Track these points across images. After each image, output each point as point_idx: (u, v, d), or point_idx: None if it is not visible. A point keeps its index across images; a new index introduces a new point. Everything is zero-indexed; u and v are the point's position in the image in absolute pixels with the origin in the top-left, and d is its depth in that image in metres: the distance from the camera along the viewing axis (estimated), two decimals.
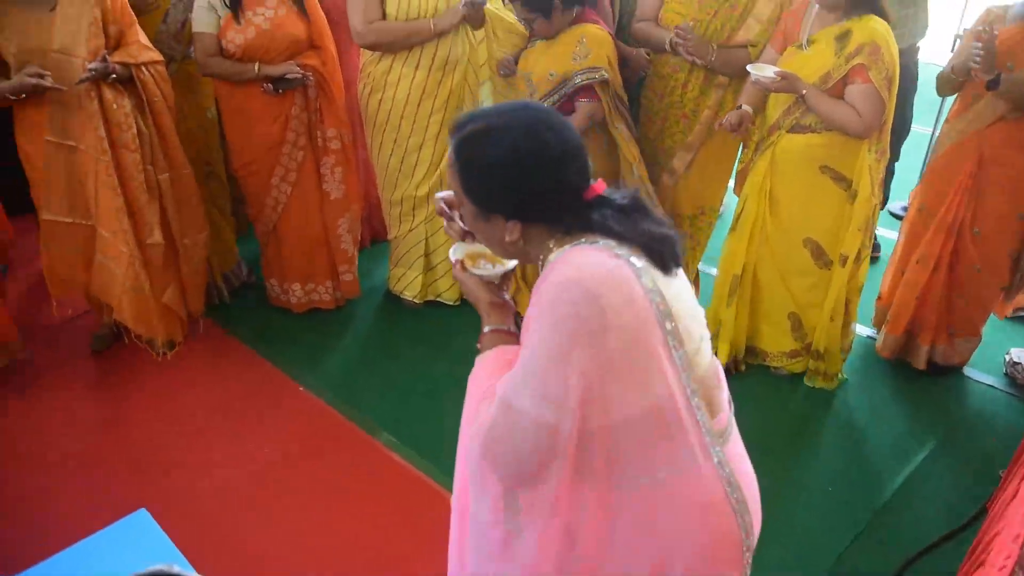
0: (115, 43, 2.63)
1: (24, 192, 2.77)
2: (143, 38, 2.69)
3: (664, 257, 1.19)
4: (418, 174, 3.13)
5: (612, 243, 1.17)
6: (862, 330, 3.24)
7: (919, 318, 2.96)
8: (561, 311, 1.12)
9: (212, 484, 2.47)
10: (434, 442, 2.59)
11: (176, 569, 0.98)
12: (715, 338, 2.95)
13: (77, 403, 2.85)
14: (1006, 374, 3.07)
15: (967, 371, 3.07)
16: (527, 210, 1.20)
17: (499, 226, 1.22)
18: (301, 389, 2.91)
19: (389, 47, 2.92)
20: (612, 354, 1.11)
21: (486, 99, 3.12)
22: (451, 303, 3.39)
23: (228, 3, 2.78)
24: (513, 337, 1.33)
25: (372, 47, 2.94)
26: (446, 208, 1.39)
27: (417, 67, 2.95)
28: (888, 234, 3.87)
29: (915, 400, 2.94)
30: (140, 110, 2.71)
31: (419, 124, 3.04)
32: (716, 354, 2.52)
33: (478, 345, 1.35)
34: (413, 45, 2.91)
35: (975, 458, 2.65)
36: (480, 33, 3.02)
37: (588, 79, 2.71)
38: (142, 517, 1.91)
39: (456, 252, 1.38)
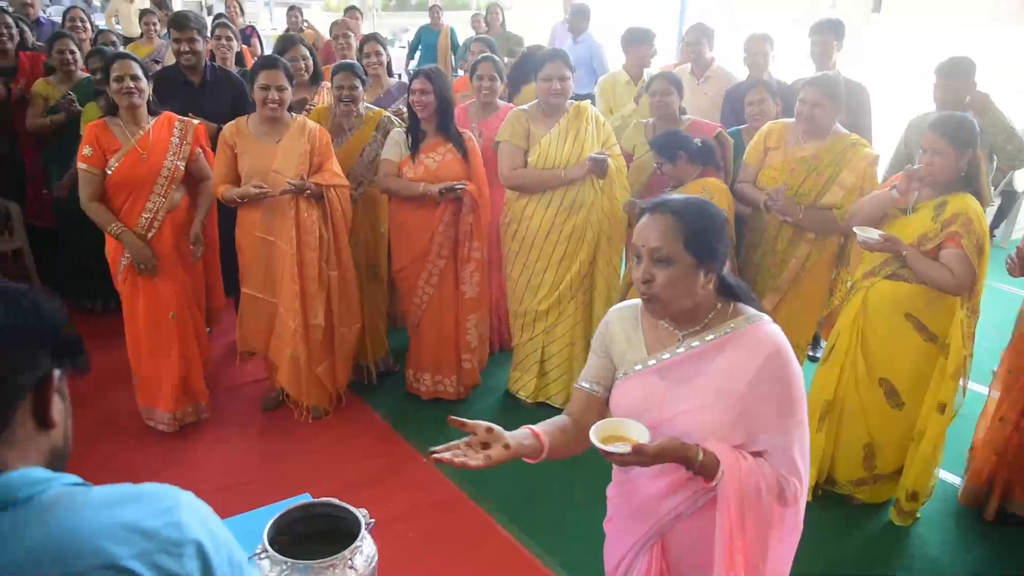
0: (316, 169, 3.44)
1: (236, 276, 3.62)
2: (336, 167, 3.49)
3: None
4: (540, 292, 3.68)
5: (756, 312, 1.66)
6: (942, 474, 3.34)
7: (997, 472, 3.07)
8: (791, 371, 1.59)
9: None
10: (531, 512, 3.04)
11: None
12: None
13: (244, 449, 3.53)
14: None
15: None
16: (720, 264, 1.61)
17: (699, 279, 1.56)
18: (423, 460, 3.44)
19: (527, 189, 3.57)
20: None
21: None
22: (558, 406, 3.84)
23: (410, 147, 3.56)
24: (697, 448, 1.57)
25: (513, 188, 3.61)
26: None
27: (548, 206, 3.56)
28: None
29: (985, 547, 3.00)
30: (324, 220, 3.48)
31: (545, 252, 3.62)
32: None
33: (701, 463, 1.54)
34: (546, 189, 3.54)
35: None
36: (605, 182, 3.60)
37: None
38: None
39: (600, 440, 1.55)
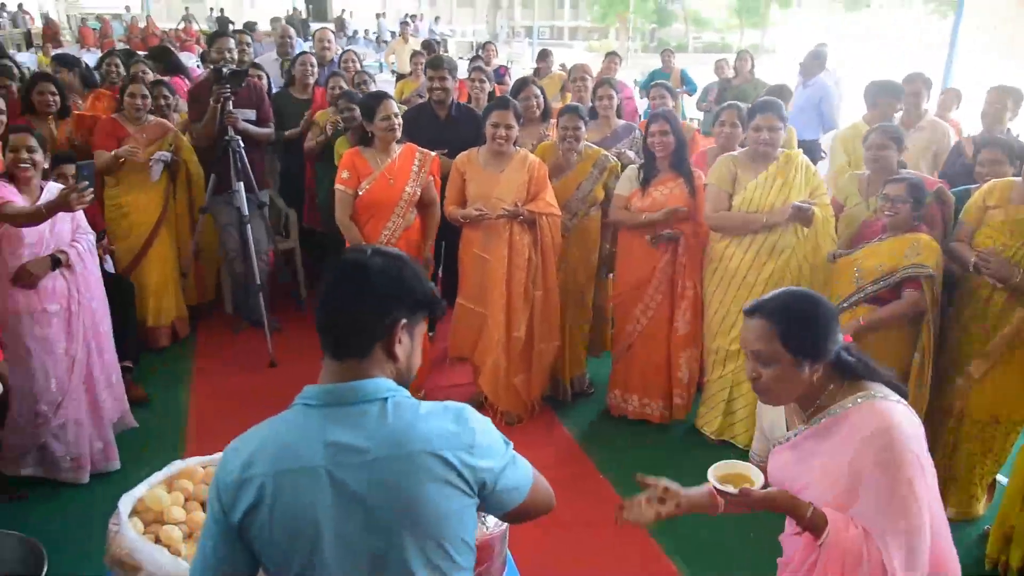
0: (532, 198, 3.81)
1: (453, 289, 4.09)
2: (551, 198, 3.84)
3: (904, 395, 1.71)
4: (733, 332, 3.75)
5: (882, 387, 1.68)
6: None
7: None
8: (891, 457, 1.58)
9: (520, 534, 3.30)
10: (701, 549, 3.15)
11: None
12: (1003, 541, 3.01)
13: None
14: None
15: None
16: (826, 353, 1.68)
17: (803, 372, 1.66)
18: (601, 477, 3.66)
19: (729, 231, 3.69)
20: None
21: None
22: (741, 446, 3.87)
23: (641, 182, 3.84)
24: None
25: (715, 229, 3.74)
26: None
27: (748, 249, 3.65)
28: None
29: None
30: (534, 245, 3.85)
31: (741, 293, 3.69)
32: (1008, 560, 2.92)
33: (809, 519, 1.64)
34: (747, 232, 3.64)
35: None
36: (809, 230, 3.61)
37: (917, 273, 3.14)
38: None
39: (716, 480, 1.72)
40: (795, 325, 1.67)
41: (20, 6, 21.02)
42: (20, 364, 3.21)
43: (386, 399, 1.32)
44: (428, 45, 8.42)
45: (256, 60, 6.21)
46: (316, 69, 5.54)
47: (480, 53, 8.77)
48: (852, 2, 34.30)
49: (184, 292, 5.07)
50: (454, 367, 4.33)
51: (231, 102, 4.45)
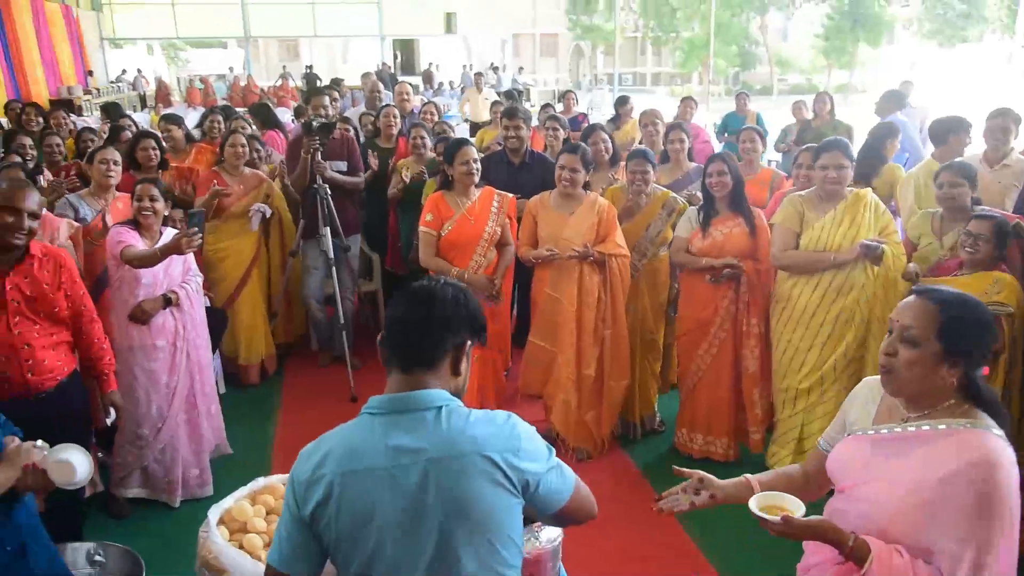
0: (601, 239, 3.93)
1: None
2: (619, 239, 3.96)
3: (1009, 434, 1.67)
4: (803, 371, 3.75)
5: (992, 424, 1.64)
6: None
7: None
8: (992, 487, 1.55)
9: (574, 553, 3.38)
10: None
11: None
12: None
13: None
14: None
15: None
16: (971, 362, 1.66)
17: (941, 370, 1.64)
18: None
19: (796, 269, 3.71)
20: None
21: None
22: None
23: (701, 222, 3.93)
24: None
25: (783, 268, 3.77)
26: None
27: (815, 288, 3.65)
28: None
29: None
30: (604, 285, 3.96)
31: (810, 332, 3.70)
32: None
33: (851, 549, 1.63)
34: (815, 271, 3.65)
35: None
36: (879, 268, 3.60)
37: (998, 311, 3.12)
38: None
39: (758, 509, 1.73)
40: (960, 321, 1.66)
41: (139, 71, 22.78)
42: (127, 392, 3.50)
43: (441, 407, 1.50)
44: (509, 95, 8.74)
45: (345, 114, 6.62)
46: (399, 120, 5.85)
47: (558, 102, 9.05)
48: (946, 37, 33.35)
49: (274, 331, 5.39)
50: (526, 404, 4.44)
51: (320, 153, 4.77)
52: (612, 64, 39.52)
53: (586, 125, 8.15)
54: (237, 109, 8.38)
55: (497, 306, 4.15)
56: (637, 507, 3.70)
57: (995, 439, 1.63)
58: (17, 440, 1.93)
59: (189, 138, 6.07)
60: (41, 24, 17.19)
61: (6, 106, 6.75)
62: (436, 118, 6.29)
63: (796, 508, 1.73)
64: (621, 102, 8.38)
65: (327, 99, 5.63)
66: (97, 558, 2.74)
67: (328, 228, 4.86)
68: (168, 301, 3.59)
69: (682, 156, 4.85)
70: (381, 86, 7.43)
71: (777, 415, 3.95)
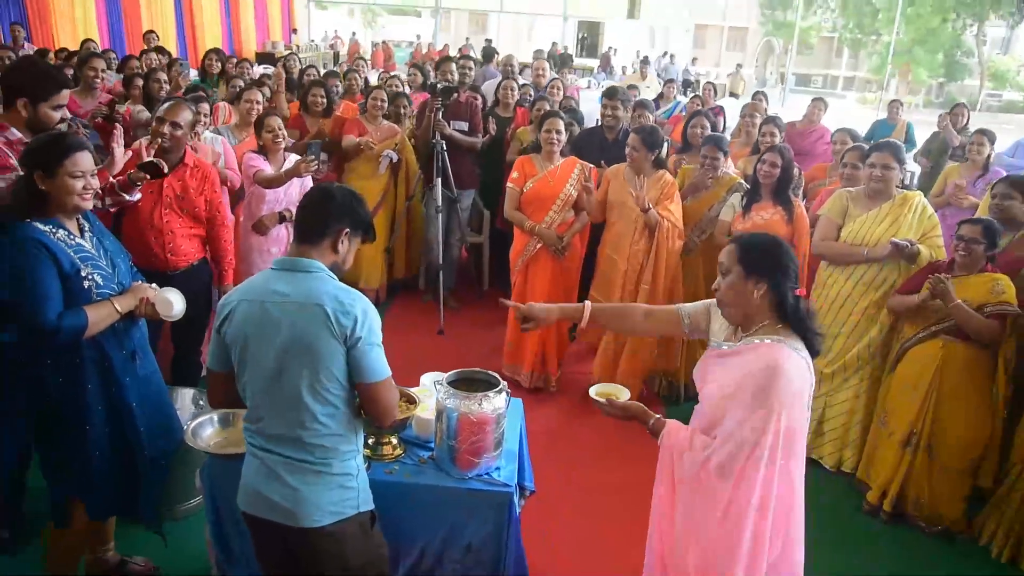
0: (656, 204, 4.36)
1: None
2: (674, 209, 4.38)
3: (814, 346, 2.14)
4: (828, 356, 3.99)
5: (798, 341, 2.08)
6: None
7: None
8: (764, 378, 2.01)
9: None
10: None
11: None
12: None
13: (564, 412, 4.61)
14: None
15: None
16: (770, 278, 2.08)
17: (750, 288, 2.08)
18: None
19: (829, 259, 3.97)
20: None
21: None
22: (828, 467, 4.08)
23: (743, 207, 4.25)
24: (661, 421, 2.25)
25: (819, 257, 4.03)
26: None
27: (848, 279, 3.90)
28: None
29: None
30: (646, 250, 4.40)
31: (839, 319, 3.94)
32: None
33: (651, 427, 2.24)
34: (849, 263, 3.89)
35: None
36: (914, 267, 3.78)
37: (1004, 310, 3.34)
38: None
39: (595, 393, 2.38)
40: (752, 247, 2.14)
41: (335, 32, 24.80)
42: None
43: (312, 272, 2.06)
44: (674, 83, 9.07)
45: (484, 85, 7.31)
46: (516, 92, 6.45)
47: (729, 95, 9.30)
48: None
49: (392, 266, 6.18)
50: (585, 356, 4.95)
51: (441, 112, 5.45)
52: (802, 64, 38.08)
53: (723, 118, 8.45)
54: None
55: (564, 262, 4.65)
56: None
57: (787, 351, 2.05)
58: (143, 280, 2.71)
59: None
60: None
61: (204, 55, 7.99)
62: (560, 95, 6.81)
63: (621, 394, 2.33)
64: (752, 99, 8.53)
65: (453, 66, 6.33)
66: (201, 402, 3.57)
67: (440, 179, 5.53)
68: (282, 217, 4.41)
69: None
70: (515, 62, 8.04)
71: None
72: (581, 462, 4.08)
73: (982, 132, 5.62)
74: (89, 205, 2.54)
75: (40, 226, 2.42)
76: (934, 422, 3.54)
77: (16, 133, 2.94)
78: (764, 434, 2.01)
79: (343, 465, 2.11)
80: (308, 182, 4.56)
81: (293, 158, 4.49)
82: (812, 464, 4.11)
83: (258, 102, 5.01)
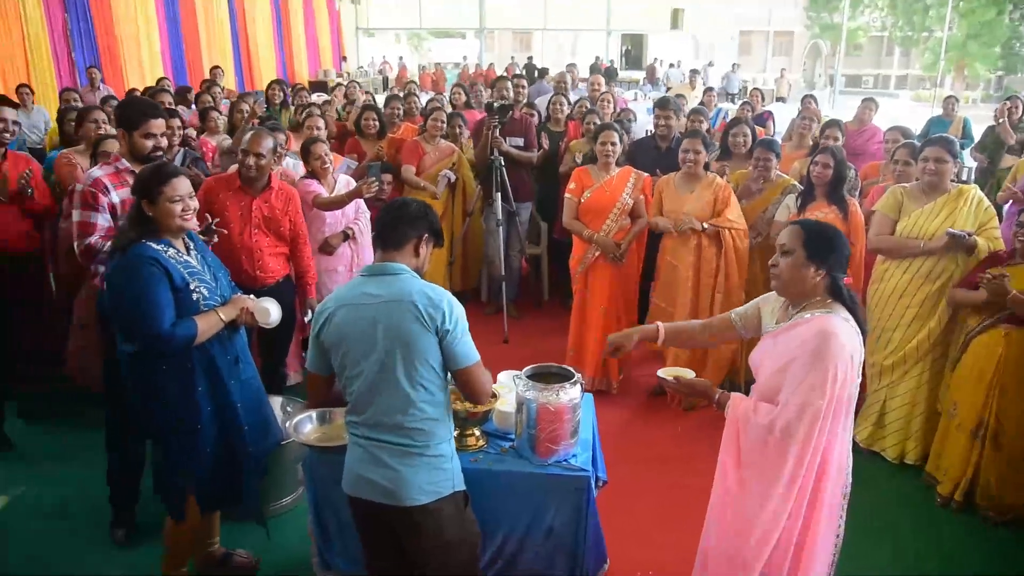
0: (716, 214, 4.48)
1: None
2: (733, 214, 4.49)
3: (861, 325, 2.32)
4: (888, 348, 4.08)
5: (847, 312, 2.29)
6: None
7: None
8: (817, 347, 2.17)
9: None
10: None
11: None
12: None
13: (623, 414, 4.76)
14: None
15: None
16: (830, 265, 2.27)
17: (810, 272, 2.25)
18: None
19: (886, 253, 4.05)
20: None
21: None
22: (891, 459, 4.14)
23: (798, 207, 4.37)
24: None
25: (876, 252, 4.12)
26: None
27: (905, 271, 3.97)
28: None
29: None
30: (718, 253, 4.51)
31: (896, 312, 4.02)
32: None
33: (717, 400, 2.42)
34: (905, 256, 3.97)
35: None
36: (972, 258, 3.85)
37: None
38: None
39: (664, 373, 2.53)
40: (817, 235, 2.30)
41: (384, 58, 25.46)
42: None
43: (399, 274, 2.29)
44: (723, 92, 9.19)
45: (534, 100, 7.53)
46: (566, 108, 6.66)
47: (776, 100, 9.40)
48: None
49: (451, 279, 6.41)
50: (652, 359, 5.09)
51: (498, 129, 5.68)
52: (851, 64, 37.58)
53: (772, 123, 8.52)
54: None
55: (623, 269, 4.80)
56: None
57: (839, 320, 2.21)
58: (240, 293, 2.98)
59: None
60: (309, 14, 19.87)
61: (268, 85, 8.41)
62: (611, 107, 6.99)
63: (687, 375, 2.49)
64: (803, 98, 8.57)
65: (509, 84, 6.58)
66: (288, 409, 3.83)
67: (499, 194, 5.75)
68: (346, 236, 4.72)
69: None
70: (569, 78, 8.26)
71: (868, 390, 4.29)
72: (646, 457, 4.22)
73: None
74: (192, 225, 2.82)
75: (153, 245, 2.69)
76: (999, 411, 3.59)
77: (125, 163, 3.27)
78: (823, 393, 2.17)
79: (438, 448, 2.32)
80: (361, 201, 4.82)
81: (343, 178, 4.77)
82: (874, 456, 4.20)
83: (319, 128, 5.30)
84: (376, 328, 2.24)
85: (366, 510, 2.36)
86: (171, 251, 2.74)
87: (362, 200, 4.83)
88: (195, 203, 2.82)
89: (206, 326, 2.72)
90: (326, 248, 4.70)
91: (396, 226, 2.36)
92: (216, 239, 3.41)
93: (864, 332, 2.31)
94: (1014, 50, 34.39)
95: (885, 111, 9.37)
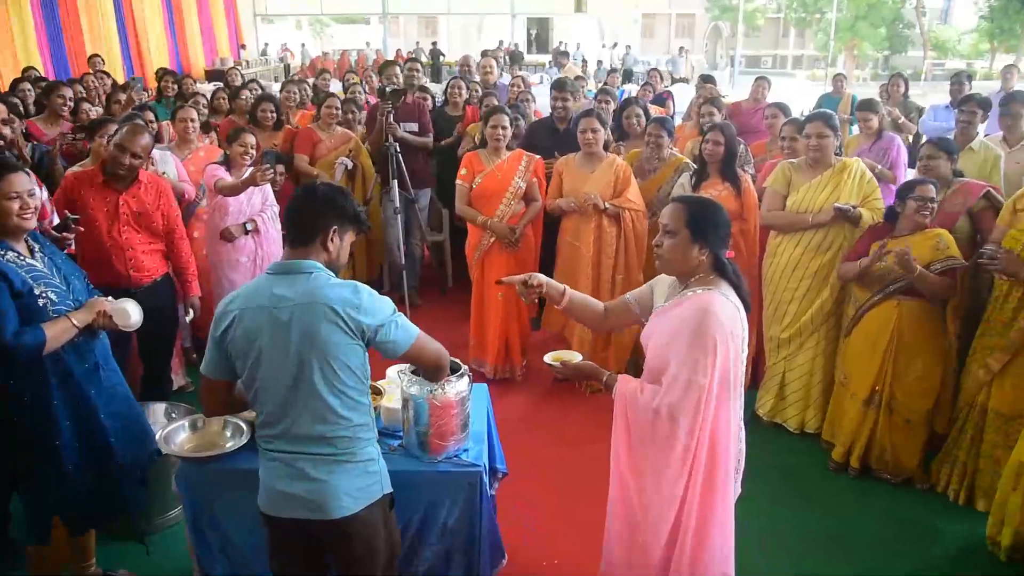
0: (617, 195, 4.45)
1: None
2: (633, 195, 4.47)
3: (745, 301, 2.30)
4: (784, 322, 4.13)
5: (729, 288, 2.26)
6: None
7: None
8: (698, 324, 2.16)
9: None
10: None
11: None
12: (1000, 521, 3.24)
13: (527, 398, 4.69)
14: None
15: None
16: (712, 243, 2.24)
17: (694, 252, 2.22)
18: None
19: (777, 228, 4.10)
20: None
21: None
22: (792, 430, 4.21)
23: (693, 185, 4.37)
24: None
25: (765, 226, 4.17)
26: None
27: (797, 245, 4.03)
28: None
29: None
30: (618, 234, 4.48)
31: (791, 286, 4.07)
32: (999, 537, 3.25)
33: (605, 382, 2.41)
34: (796, 230, 4.02)
35: None
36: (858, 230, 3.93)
37: (953, 264, 3.49)
38: None
39: (550, 359, 2.49)
40: (699, 214, 2.26)
41: (284, 45, 24.67)
42: (217, 295, 4.43)
43: (311, 273, 2.08)
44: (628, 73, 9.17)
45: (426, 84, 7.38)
46: (465, 91, 6.53)
47: (648, 79, 9.47)
48: None
49: (354, 269, 6.21)
50: (553, 343, 5.02)
51: (391, 115, 5.50)
52: (750, 45, 38.64)
53: (671, 102, 8.60)
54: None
55: (520, 253, 4.72)
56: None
57: (719, 297, 2.21)
58: (100, 296, 2.75)
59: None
60: None
61: (156, 73, 7.95)
62: (519, 88, 6.91)
63: (574, 358, 2.46)
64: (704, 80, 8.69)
65: (397, 69, 6.41)
66: (173, 415, 3.60)
67: (396, 181, 5.58)
68: (247, 230, 4.52)
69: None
70: (472, 62, 8.12)
71: (766, 363, 4.34)
72: (550, 445, 4.17)
73: (866, 106, 5.67)
74: (31, 224, 2.58)
75: None
76: (893, 378, 3.68)
77: None
78: (706, 371, 2.15)
79: (365, 451, 2.17)
80: (269, 193, 4.60)
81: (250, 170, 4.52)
82: (777, 428, 4.27)
83: (193, 120, 5.00)
84: (289, 334, 2.04)
85: (285, 529, 2.18)
86: (10, 254, 2.50)
87: (271, 192, 4.62)
88: (35, 201, 2.57)
89: (56, 333, 2.49)
90: (226, 235, 4.50)
91: (302, 218, 2.14)
92: (73, 237, 3.14)
93: (747, 307, 2.29)
94: (898, 30, 36.02)
95: (782, 90, 9.58)
